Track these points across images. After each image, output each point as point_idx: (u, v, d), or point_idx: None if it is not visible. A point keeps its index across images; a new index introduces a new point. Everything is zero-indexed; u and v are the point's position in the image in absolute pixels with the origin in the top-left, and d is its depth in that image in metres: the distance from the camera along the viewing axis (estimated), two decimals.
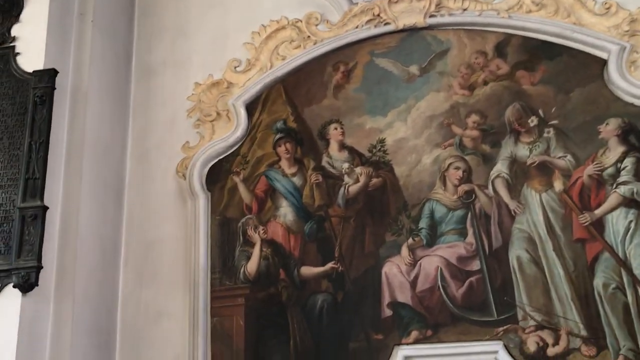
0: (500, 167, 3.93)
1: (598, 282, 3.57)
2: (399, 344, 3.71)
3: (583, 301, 3.56)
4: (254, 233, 4.11)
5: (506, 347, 3.57)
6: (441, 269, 3.79)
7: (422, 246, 3.88)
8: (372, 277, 3.87)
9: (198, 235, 4.14)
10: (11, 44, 4.06)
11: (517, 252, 3.73)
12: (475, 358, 3.61)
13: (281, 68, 4.45)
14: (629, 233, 3.60)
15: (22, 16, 4.12)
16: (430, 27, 4.32)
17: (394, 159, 4.10)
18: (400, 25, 4.34)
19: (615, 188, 3.71)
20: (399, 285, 3.81)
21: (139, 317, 4.13)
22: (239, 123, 4.38)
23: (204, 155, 4.33)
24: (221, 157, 4.35)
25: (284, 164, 4.27)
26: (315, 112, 4.33)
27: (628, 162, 3.73)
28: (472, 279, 3.74)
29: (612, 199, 3.70)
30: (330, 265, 3.95)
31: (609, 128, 3.82)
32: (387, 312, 3.79)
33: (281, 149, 4.29)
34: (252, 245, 4.09)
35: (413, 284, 3.81)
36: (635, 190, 3.67)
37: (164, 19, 4.87)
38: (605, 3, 4.05)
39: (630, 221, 3.62)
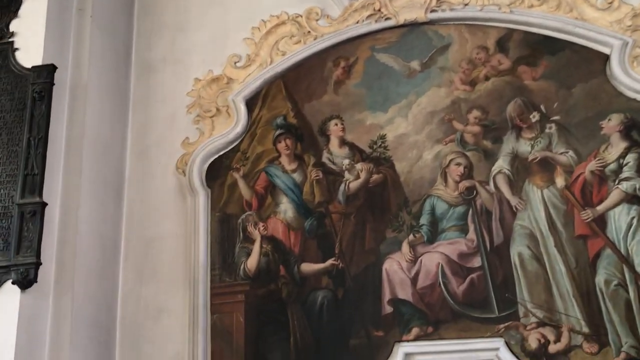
0: (502, 163, 3.91)
1: (600, 278, 3.54)
2: (400, 340, 3.69)
3: (585, 298, 3.54)
4: (254, 229, 4.10)
5: (507, 344, 3.55)
6: (442, 266, 3.78)
7: (423, 242, 3.86)
8: (372, 274, 3.86)
9: (198, 231, 4.13)
10: (10, 40, 4.05)
11: (518, 249, 3.71)
12: (476, 355, 3.59)
13: (281, 63, 4.43)
14: (631, 229, 3.58)
15: (21, 11, 4.11)
16: (431, 22, 4.29)
17: (395, 155, 4.07)
18: (401, 20, 4.32)
19: (618, 184, 3.68)
20: (400, 281, 3.80)
21: (139, 314, 4.12)
22: (239, 119, 4.36)
23: (203, 151, 4.31)
24: (221, 153, 4.33)
25: (284, 160, 4.25)
26: (315, 107, 4.31)
27: (630, 158, 3.71)
28: (473, 275, 3.73)
29: (615, 195, 3.67)
30: (330, 261, 3.93)
31: (611, 124, 3.80)
32: (388, 309, 3.77)
33: (281, 145, 4.28)
34: (252, 241, 4.07)
35: (414, 280, 3.79)
36: (637, 186, 3.65)
37: (163, 15, 4.85)
38: None
39: (633, 217, 3.60)
